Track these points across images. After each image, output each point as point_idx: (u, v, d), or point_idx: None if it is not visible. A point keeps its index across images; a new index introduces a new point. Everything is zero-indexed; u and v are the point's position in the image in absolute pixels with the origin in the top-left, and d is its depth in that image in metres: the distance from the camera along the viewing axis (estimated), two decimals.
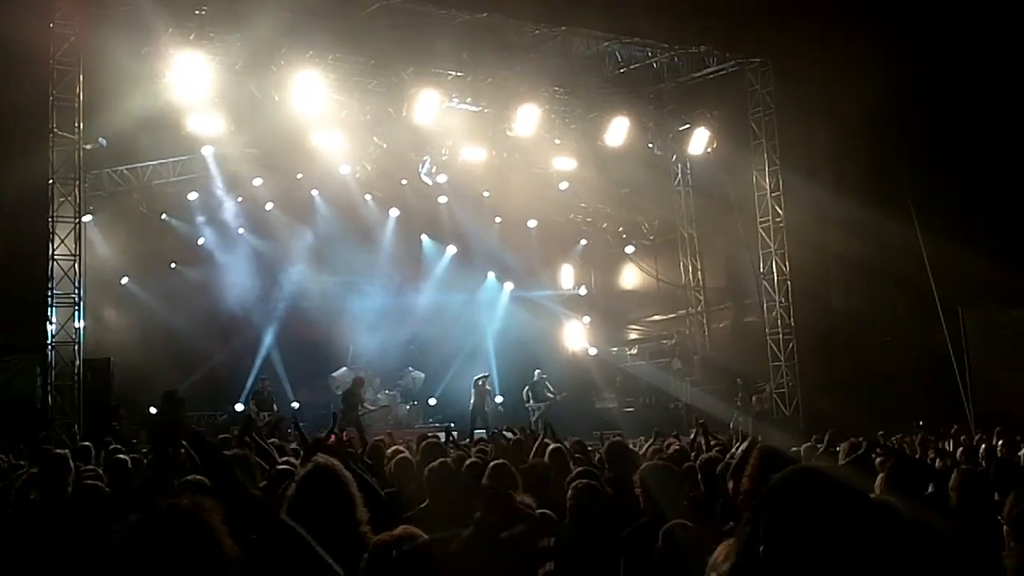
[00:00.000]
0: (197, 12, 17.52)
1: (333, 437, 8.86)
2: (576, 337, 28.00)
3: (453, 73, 20.34)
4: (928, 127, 19.76)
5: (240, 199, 23.46)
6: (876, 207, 19.44)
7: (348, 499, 3.95)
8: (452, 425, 13.27)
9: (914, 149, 19.89)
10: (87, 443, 9.94)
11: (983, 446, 11.62)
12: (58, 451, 6.82)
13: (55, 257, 15.63)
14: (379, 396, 23.05)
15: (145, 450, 9.92)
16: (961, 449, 11.31)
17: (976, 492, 6.05)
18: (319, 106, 19.06)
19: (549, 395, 22.46)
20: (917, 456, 10.20)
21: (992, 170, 19.32)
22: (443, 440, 11.42)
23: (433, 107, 19.73)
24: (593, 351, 27.03)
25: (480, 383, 21.06)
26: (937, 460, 10.05)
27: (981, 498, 5.94)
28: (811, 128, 20.70)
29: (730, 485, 5.15)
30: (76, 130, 15.88)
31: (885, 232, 19.51)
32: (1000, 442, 12.11)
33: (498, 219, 26.66)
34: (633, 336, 28.21)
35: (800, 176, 21.29)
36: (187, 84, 17.76)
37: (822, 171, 21.23)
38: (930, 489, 5.65)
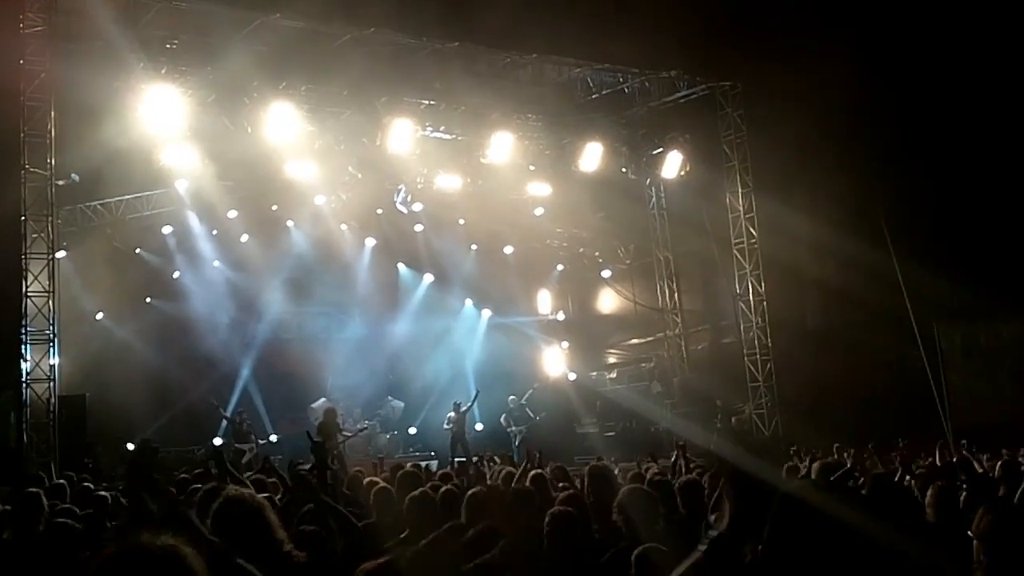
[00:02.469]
0: (168, 46, 17.58)
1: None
2: (555, 362, 27.99)
3: (426, 102, 20.46)
4: (899, 146, 19.98)
5: (215, 232, 23.32)
6: (849, 226, 19.62)
7: (264, 522, 4.03)
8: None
9: (886, 168, 20.10)
10: (62, 480, 9.83)
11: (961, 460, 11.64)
12: (31, 489, 6.75)
13: (29, 294, 15.49)
14: (359, 425, 22.92)
15: (121, 487, 9.83)
16: (955, 459, 11.29)
17: (952, 508, 6.09)
18: (293, 137, 19.09)
19: (530, 416, 22.45)
20: (897, 473, 10.21)
21: (963, 189, 19.55)
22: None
23: (407, 136, 19.81)
24: (572, 376, 27.01)
25: (454, 414, 20.95)
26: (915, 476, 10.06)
27: (957, 514, 5.98)
28: (783, 149, 20.89)
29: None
30: (48, 166, 15.78)
31: (859, 251, 19.66)
32: (985, 456, 12.13)
33: (474, 246, 26.68)
34: (612, 360, 28.22)
35: (773, 197, 21.45)
36: (159, 118, 17.78)
37: (795, 192, 21.42)
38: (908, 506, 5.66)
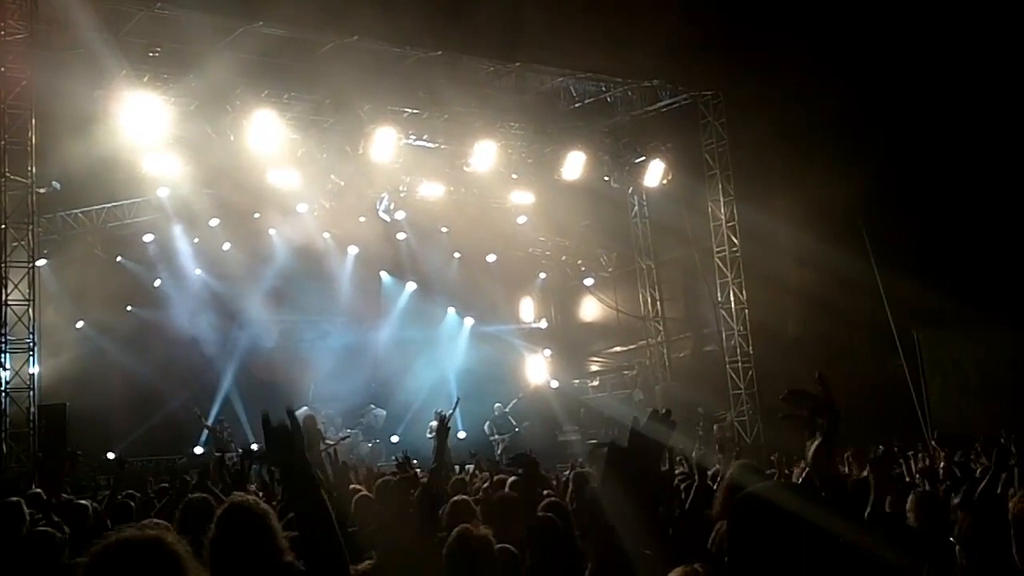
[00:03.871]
0: (151, 54, 17.51)
1: None
2: (538, 370, 28.00)
3: (409, 110, 20.47)
4: (880, 155, 20.08)
5: (197, 240, 23.24)
6: (830, 235, 19.69)
7: (268, 530, 4.02)
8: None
9: (866, 177, 20.19)
10: (39, 490, 9.76)
11: (942, 464, 11.70)
12: (11, 499, 6.71)
13: (8, 302, 15.38)
14: (341, 434, 22.86)
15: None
16: (943, 464, 11.34)
17: (933, 512, 6.14)
18: (275, 145, 19.06)
19: (513, 425, 22.46)
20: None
21: (943, 198, 19.67)
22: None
23: (390, 144, 19.81)
24: (555, 384, 27.04)
25: (436, 422, 20.90)
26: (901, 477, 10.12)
27: (938, 518, 6.03)
28: (764, 158, 20.99)
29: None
30: (29, 174, 15.70)
31: (839, 259, 19.73)
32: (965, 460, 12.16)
33: (457, 254, 26.69)
34: (594, 368, 28.26)
35: (755, 206, 21.55)
36: (142, 126, 17.74)
37: (776, 200, 21.51)
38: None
